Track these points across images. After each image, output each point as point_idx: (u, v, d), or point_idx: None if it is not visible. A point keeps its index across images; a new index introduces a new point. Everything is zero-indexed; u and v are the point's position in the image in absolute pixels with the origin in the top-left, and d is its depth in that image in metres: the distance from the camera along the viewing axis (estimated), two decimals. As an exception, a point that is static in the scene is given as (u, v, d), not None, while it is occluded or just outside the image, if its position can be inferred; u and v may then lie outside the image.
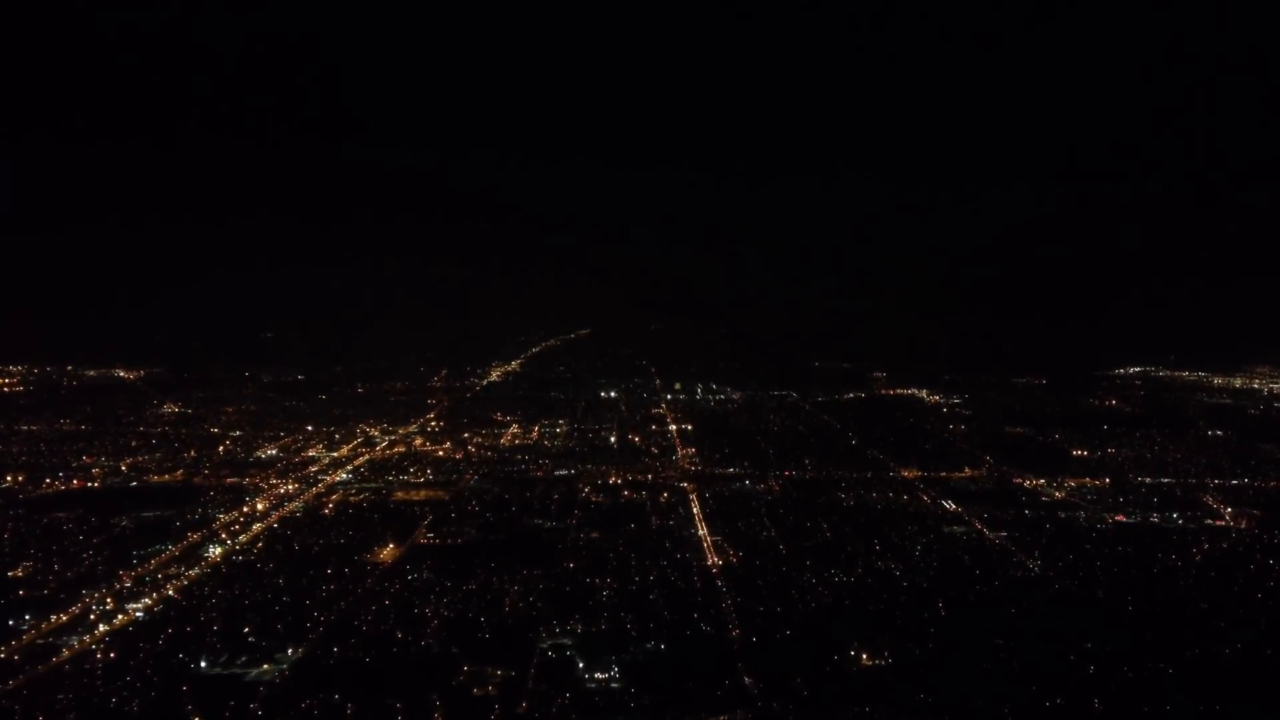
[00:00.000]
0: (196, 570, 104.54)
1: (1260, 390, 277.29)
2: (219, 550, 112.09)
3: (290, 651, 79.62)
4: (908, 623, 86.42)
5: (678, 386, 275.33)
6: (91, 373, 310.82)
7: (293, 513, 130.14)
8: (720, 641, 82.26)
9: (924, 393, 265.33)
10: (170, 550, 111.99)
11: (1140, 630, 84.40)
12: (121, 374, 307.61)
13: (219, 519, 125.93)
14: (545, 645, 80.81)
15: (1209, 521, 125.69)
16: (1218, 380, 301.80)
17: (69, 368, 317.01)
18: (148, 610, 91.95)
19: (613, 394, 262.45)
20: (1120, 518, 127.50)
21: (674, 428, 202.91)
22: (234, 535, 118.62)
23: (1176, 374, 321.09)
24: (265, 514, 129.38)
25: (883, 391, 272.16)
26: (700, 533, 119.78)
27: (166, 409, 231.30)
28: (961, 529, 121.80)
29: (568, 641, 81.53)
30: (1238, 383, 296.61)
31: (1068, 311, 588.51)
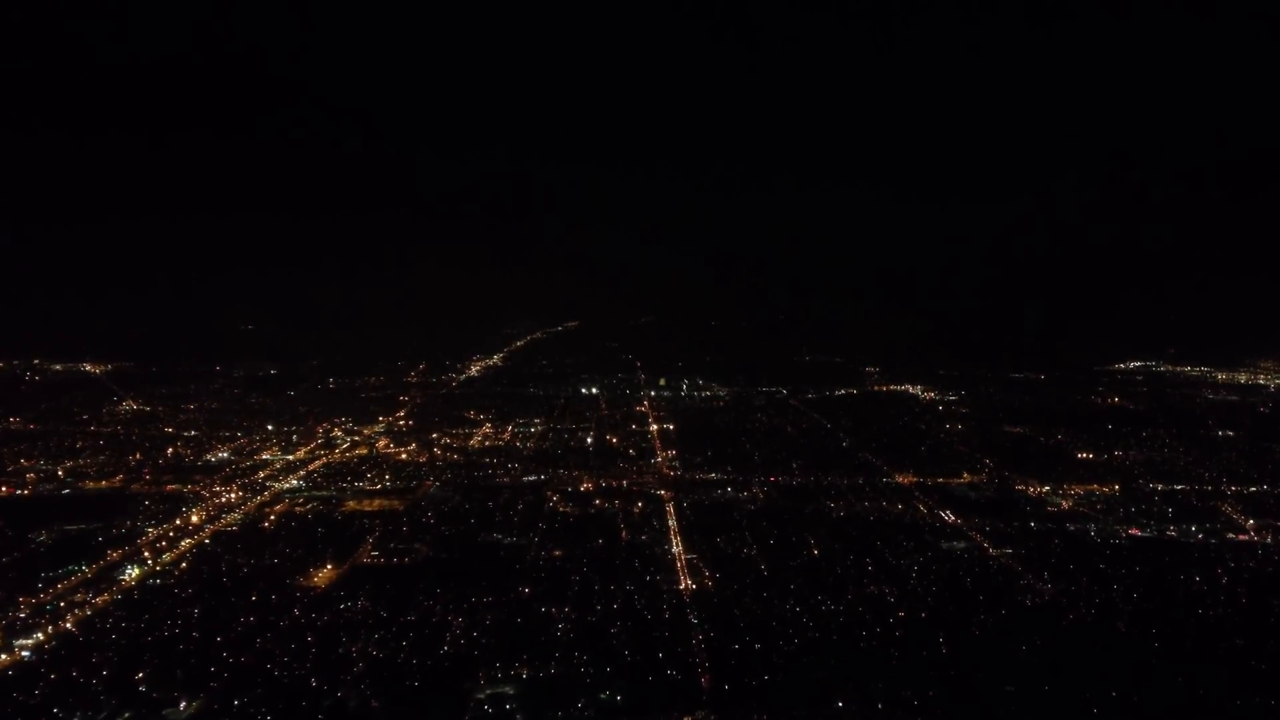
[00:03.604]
0: (105, 597, 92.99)
1: (1266, 386, 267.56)
2: (137, 572, 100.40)
3: (183, 705, 68.12)
4: (903, 663, 75.54)
5: (662, 382, 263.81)
6: (58, 367, 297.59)
7: (229, 526, 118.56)
8: (686, 690, 71.06)
9: (918, 389, 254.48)
10: (83, 572, 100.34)
11: (1170, 672, 73.68)
12: (88, 368, 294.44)
13: (147, 533, 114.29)
14: (483, 695, 69.47)
15: (1231, 535, 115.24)
16: (1221, 376, 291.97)
17: (35, 361, 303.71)
18: (37, 648, 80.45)
19: (594, 390, 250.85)
20: (1134, 531, 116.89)
21: (655, 427, 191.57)
22: (158, 554, 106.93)
23: (1178, 369, 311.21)
24: (199, 528, 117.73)
25: (876, 388, 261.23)
26: (675, 550, 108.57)
27: (125, 406, 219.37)
28: (962, 544, 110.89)
29: (509, 690, 70.18)
30: (1242, 378, 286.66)
31: (1064, 306, 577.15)
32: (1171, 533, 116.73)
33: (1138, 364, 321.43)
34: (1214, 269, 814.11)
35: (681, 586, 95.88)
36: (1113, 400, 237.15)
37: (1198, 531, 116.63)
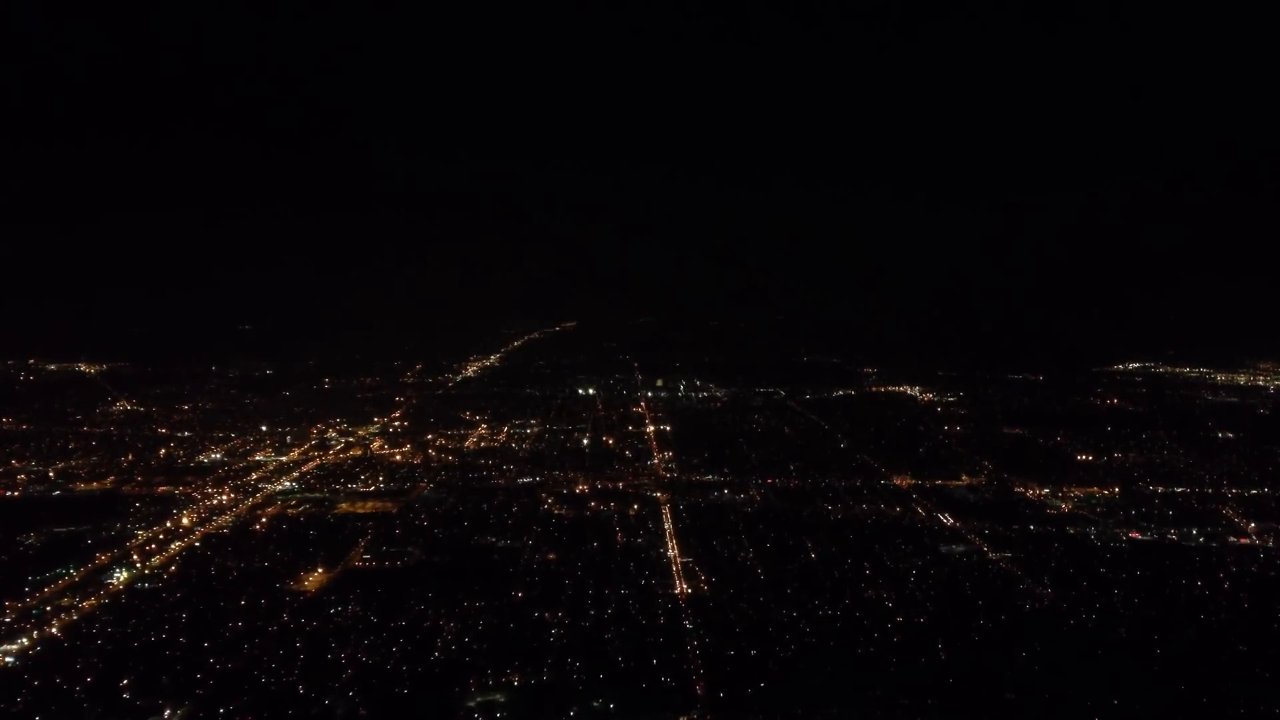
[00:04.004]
0: (92, 601, 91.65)
1: (1266, 388, 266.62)
2: (125, 575, 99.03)
3: (167, 714, 66.84)
4: (901, 671, 74.36)
5: (660, 383, 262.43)
6: (52, 367, 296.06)
7: (220, 529, 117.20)
8: (680, 697, 69.87)
9: (917, 390, 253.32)
10: (71, 575, 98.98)
11: (1174, 681, 72.52)
12: (83, 368, 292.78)
13: (137, 536, 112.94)
14: (473, 703, 68.22)
15: (1232, 539, 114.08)
16: (1220, 377, 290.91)
17: (30, 361, 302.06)
18: (21, 654, 79.12)
19: (591, 391, 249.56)
20: (1135, 534, 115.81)
21: (652, 429, 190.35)
22: (147, 557, 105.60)
23: (1177, 370, 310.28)
24: (189, 530, 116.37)
25: (874, 389, 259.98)
26: (670, 553, 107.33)
27: (118, 406, 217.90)
28: (961, 548, 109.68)
29: (500, 698, 68.93)
30: (1241, 380, 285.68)
31: (1063, 307, 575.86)
32: (1172, 536, 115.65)
33: (1137, 365, 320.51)
34: (1213, 269, 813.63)
35: (677, 591, 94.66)
36: (1112, 401, 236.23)
37: (1199, 535, 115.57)
